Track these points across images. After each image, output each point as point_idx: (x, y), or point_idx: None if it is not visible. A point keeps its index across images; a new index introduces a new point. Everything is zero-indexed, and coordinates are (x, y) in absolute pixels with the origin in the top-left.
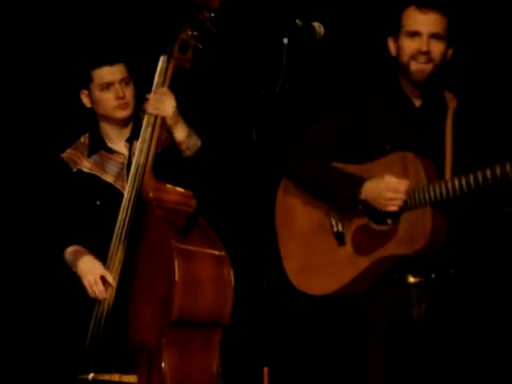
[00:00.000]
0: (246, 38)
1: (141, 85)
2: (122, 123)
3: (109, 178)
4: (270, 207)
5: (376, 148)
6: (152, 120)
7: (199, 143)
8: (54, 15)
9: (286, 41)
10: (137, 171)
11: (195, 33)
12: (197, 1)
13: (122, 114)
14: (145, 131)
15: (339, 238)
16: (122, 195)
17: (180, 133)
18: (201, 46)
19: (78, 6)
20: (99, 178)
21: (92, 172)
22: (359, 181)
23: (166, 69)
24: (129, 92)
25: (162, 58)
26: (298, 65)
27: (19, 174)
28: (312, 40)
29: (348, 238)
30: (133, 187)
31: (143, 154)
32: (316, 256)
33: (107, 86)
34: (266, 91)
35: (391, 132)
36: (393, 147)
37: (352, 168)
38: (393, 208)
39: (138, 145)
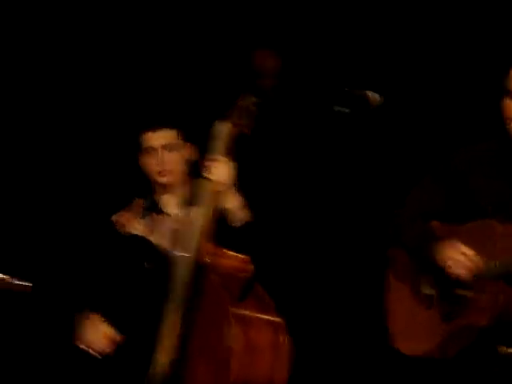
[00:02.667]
0: (300, 104)
1: (201, 149)
2: (170, 188)
3: (158, 241)
4: (327, 273)
5: (477, 209)
6: (209, 185)
7: (248, 217)
8: (109, 80)
9: (337, 108)
10: (194, 236)
11: (254, 99)
12: (256, 67)
13: (162, 180)
14: (202, 196)
15: (428, 300)
16: (170, 258)
17: (231, 202)
18: (259, 113)
19: (138, 71)
20: (149, 241)
21: (142, 234)
22: (434, 239)
23: (225, 134)
24: (172, 158)
25: (220, 124)
26: (354, 134)
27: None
28: (367, 109)
29: (436, 302)
30: (190, 252)
31: (200, 219)
32: (410, 316)
33: (149, 150)
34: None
35: (495, 194)
36: (494, 212)
37: (447, 228)
38: (458, 272)
39: (195, 209)
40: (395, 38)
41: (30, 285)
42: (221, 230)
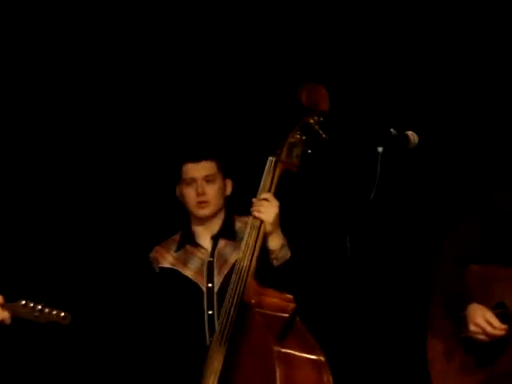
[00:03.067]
0: (342, 144)
1: (250, 184)
2: (206, 220)
3: (188, 273)
4: (367, 313)
5: None
6: (257, 223)
7: (288, 255)
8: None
9: (380, 149)
10: (240, 275)
11: (304, 137)
12: (306, 104)
13: (201, 212)
14: (249, 234)
15: (466, 344)
16: (200, 290)
17: (275, 241)
18: (309, 151)
19: (183, 103)
20: (180, 273)
21: (173, 267)
22: (466, 300)
23: (274, 172)
24: (212, 190)
25: (269, 160)
26: (392, 173)
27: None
28: (406, 149)
29: (473, 346)
30: (235, 291)
31: (246, 257)
32: (448, 358)
33: (190, 181)
34: (361, 199)
35: None
36: None
37: (487, 272)
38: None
39: (241, 248)
40: (435, 79)
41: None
42: (261, 269)
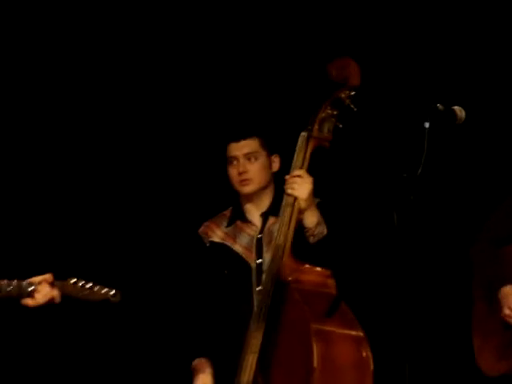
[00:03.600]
0: (386, 117)
1: (284, 160)
2: (252, 197)
3: (238, 249)
4: (409, 290)
5: None
6: (291, 200)
7: (325, 231)
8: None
9: (427, 125)
10: (277, 252)
11: (335, 112)
12: (336, 79)
13: (244, 189)
14: (284, 211)
15: (504, 322)
16: (249, 267)
17: (310, 218)
18: (340, 125)
19: (224, 83)
20: (229, 248)
21: (223, 242)
22: (501, 281)
23: (306, 147)
24: (254, 168)
25: (301, 136)
26: (439, 148)
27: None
28: (453, 124)
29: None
30: (272, 268)
31: (282, 234)
32: (491, 337)
33: (232, 160)
34: (408, 174)
35: None
36: None
37: None
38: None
39: (276, 225)
40: (482, 52)
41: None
42: (298, 245)
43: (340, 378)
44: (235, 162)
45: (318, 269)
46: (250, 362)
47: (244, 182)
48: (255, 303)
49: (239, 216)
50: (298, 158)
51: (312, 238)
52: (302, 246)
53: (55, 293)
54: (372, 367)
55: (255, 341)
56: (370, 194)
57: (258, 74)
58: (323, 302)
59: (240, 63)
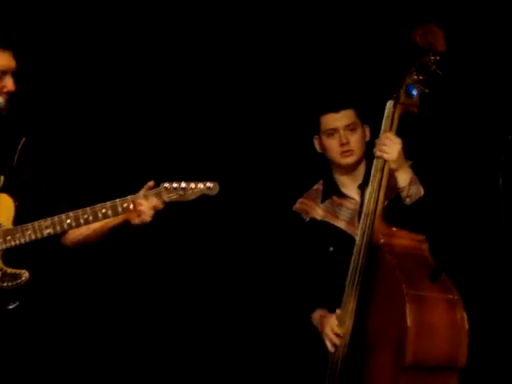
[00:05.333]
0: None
1: (373, 129)
2: (350, 169)
3: (341, 224)
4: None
5: None
6: (380, 165)
7: (421, 192)
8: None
9: None
10: (367, 218)
11: (421, 77)
12: (421, 45)
13: (346, 161)
14: (373, 177)
15: None
16: (354, 241)
17: (402, 178)
18: (427, 91)
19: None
20: (332, 225)
21: (325, 219)
22: None
23: (393, 114)
24: (354, 138)
25: (388, 103)
26: None
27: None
28: None
29: None
30: (363, 234)
31: (372, 200)
32: None
33: (332, 132)
34: None
35: None
36: None
37: None
38: None
39: (367, 191)
40: None
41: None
42: (394, 208)
43: (434, 337)
44: (335, 134)
45: (412, 233)
46: (347, 325)
47: (346, 153)
48: (350, 269)
49: (334, 190)
50: (385, 124)
51: (408, 199)
52: (398, 211)
53: (154, 201)
54: (467, 328)
55: (350, 305)
56: (474, 157)
57: (345, 45)
58: (417, 265)
59: (326, 33)
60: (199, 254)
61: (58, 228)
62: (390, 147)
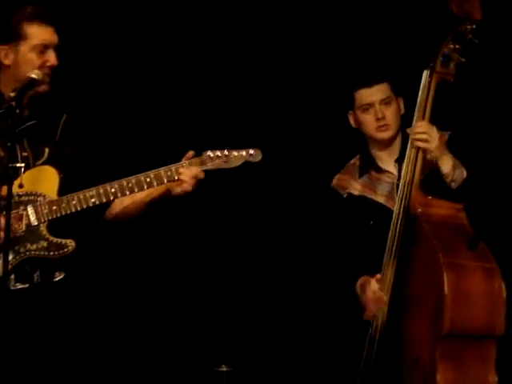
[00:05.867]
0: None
1: (408, 100)
2: (387, 143)
3: (380, 199)
4: None
5: None
6: (416, 146)
7: (464, 174)
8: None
9: None
10: (404, 188)
11: (457, 46)
12: (457, 14)
13: (382, 135)
14: (410, 151)
15: None
16: (392, 214)
17: (445, 164)
18: (463, 59)
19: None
20: (370, 199)
21: (363, 194)
22: None
23: (429, 84)
24: (390, 112)
25: (424, 73)
26: None
27: (291, 205)
28: None
29: None
30: (401, 204)
31: (409, 171)
32: None
33: (367, 107)
34: None
35: None
36: None
37: None
38: None
39: (404, 163)
40: None
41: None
42: (431, 181)
43: (471, 305)
44: (371, 109)
45: (449, 202)
46: (385, 294)
47: (382, 127)
48: (388, 239)
49: (371, 165)
50: (422, 94)
51: (453, 183)
52: (446, 195)
53: (195, 170)
54: (504, 296)
55: (389, 274)
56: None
57: (379, 17)
58: (454, 234)
59: (360, 6)
60: (241, 230)
61: (103, 197)
62: (430, 135)
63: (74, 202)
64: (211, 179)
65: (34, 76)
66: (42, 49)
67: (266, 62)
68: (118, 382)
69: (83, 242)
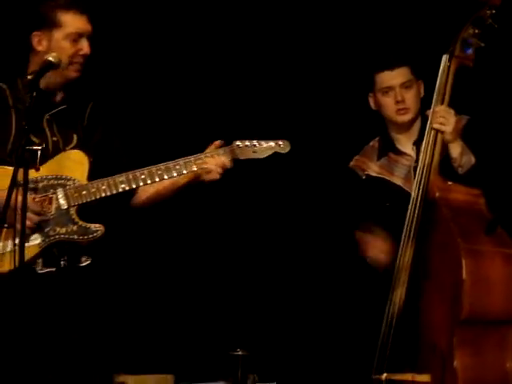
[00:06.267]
0: None
1: (427, 84)
2: (406, 126)
3: (397, 181)
4: None
5: None
6: (434, 132)
7: (472, 160)
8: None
9: None
10: (422, 172)
11: (476, 31)
12: None
13: (402, 118)
14: (428, 134)
15: None
16: (410, 197)
17: (456, 149)
18: (483, 44)
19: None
20: (388, 181)
21: (381, 176)
22: None
23: (448, 68)
24: (410, 96)
25: (444, 58)
26: None
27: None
28: None
29: None
30: (419, 187)
31: (428, 155)
32: None
33: (387, 90)
34: None
35: None
36: None
37: None
38: None
39: (422, 146)
40: None
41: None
42: (449, 173)
43: (490, 290)
44: (391, 92)
45: (468, 187)
46: (403, 278)
47: (402, 110)
48: (406, 223)
49: (390, 147)
50: (441, 78)
51: (460, 169)
52: (452, 179)
53: (223, 159)
54: None
55: (406, 257)
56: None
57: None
58: (473, 219)
59: None
60: (258, 213)
61: (133, 183)
62: (448, 119)
63: (103, 187)
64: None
65: (51, 59)
66: (76, 37)
67: (287, 43)
68: (134, 365)
69: (110, 228)
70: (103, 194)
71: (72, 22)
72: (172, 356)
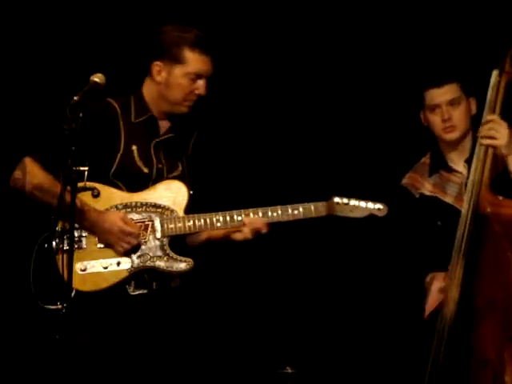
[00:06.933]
0: None
1: (479, 100)
2: (455, 144)
3: (449, 199)
4: None
5: None
6: (486, 145)
7: None
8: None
9: None
10: (473, 187)
11: None
12: None
13: (448, 136)
14: (478, 150)
15: None
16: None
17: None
18: None
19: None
20: (440, 200)
21: (433, 194)
22: None
23: (499, 84)
24: (457, 113)
25: (494, 73)
26: None
27: None
28: None
29: None
30: (470, 203)
31: (478, 171)
32: None
33: (434, 107)
34: None
35: None
36: None
37: None
38: None
39: (473, 162)
40: None
41: None
42: (502, 181)
43: None
44: (437, 110)
45: None
46: (453, 294)
47: (449, 128)
48: (456, 238)
49: (441, 164)
50: (491, 94)
51: None
52: (506, 184)
53: (259, 221)
54: None
55: (457, 273)
56: None
57: (451, 17)
58: None
59: (432, 6)
60: (310, 233)
61: (229, 224)
62: (499, 132)
63: (199, 223)
64: None
65: (97, 80)
66: (195, 77)
67: (338, 60)
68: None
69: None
70: (198, 230)
71: (195, 61)
72: (221, 373)
